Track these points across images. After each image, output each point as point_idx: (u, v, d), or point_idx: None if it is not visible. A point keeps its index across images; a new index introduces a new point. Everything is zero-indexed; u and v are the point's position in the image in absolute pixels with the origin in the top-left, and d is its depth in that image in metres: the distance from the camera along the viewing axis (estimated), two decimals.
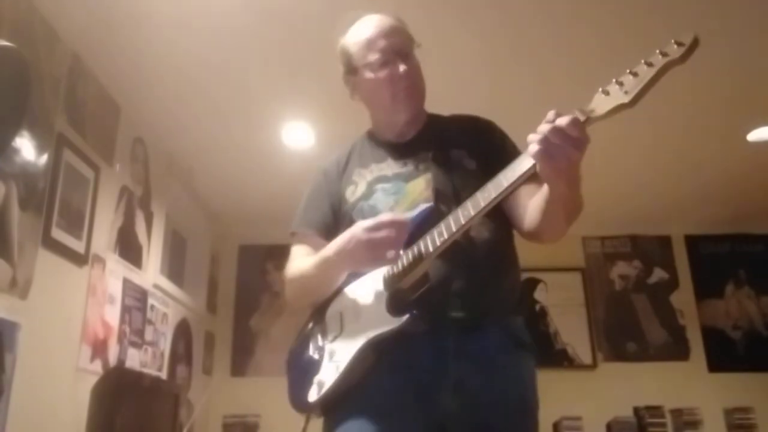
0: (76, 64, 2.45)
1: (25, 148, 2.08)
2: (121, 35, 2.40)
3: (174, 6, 2.26)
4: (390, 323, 1.12)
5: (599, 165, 3.55)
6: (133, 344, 2.89)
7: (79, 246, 2.41)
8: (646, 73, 0.91)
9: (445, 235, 1.09)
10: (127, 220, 2.89)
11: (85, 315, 2.43)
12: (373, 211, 1.27)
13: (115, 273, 2.73)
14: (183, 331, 3.64)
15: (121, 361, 2.74)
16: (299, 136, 3.20)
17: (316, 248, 1.32)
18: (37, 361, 2.09)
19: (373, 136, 1.44)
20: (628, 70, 0.93)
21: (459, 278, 1.17)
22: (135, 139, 3.00)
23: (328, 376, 1.20)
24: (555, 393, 4.08)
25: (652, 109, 2.95)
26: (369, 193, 1.31)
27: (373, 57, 1.32)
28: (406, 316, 1.11)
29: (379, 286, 1.18)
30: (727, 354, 4.33)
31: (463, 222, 1.07)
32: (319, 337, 1.28)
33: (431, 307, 1.13)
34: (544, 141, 0.95)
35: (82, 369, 2.38)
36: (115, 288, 2.73)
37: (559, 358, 4.34)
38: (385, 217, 1.13)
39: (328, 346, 1.24)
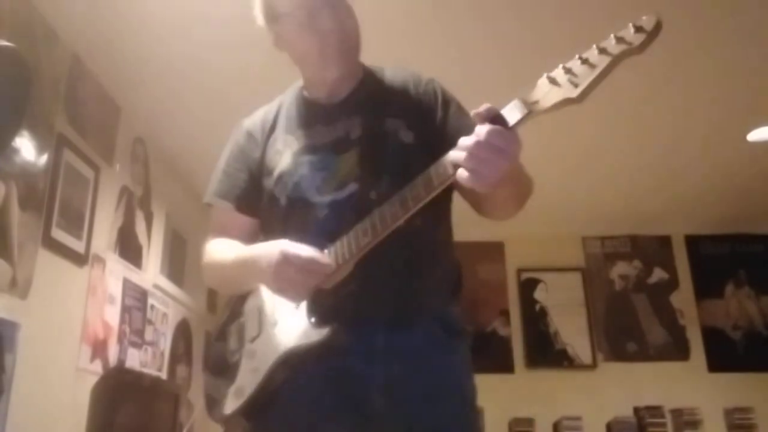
0: (76, 65, 2.45)
1: (25, 148, 2.08)
2: (121, 35, 2.40)
3: (174, 6, 2.26)
4: (310, 335, 1.02)
5: (599, 165, 3.55)
6: (133, 344, 2.89)
7: (79, 246, 2.40)
8: (598, 63, 0.80)
9: (370, 236, 0.99)
10: (127, 220, 2.89)
11: (85, 315, 2.43)
12: (298, 190, 1.14)
13: (115, 273, 2.72)
14: (183, 331, 3.64)
15: (121, 361, 2.73)
16: None
17: (234, 226, 1.22)
18: (37, 361, 2.09)
19: (302, 94, 1.27)
20: (577, 56, 0.82)
21: (386, 276, 1.07)
22: (135, 139, 3.00)
23: (244, 384, 1.10)
24: (555, 393, 4.13)
25: (651, 108, 2.95)
26: (294, 166, 1.16)
27: (296, 6, 1.15)
28: (327, 329, 1.01)
29: None
30: (727, 354, 4.33)
31: (389, 222, 0.98)
32: (237, 336, 1.18)
33: (355, 312, 1.04)
34: (471, 160, 0.86)
35: (82, 369, 2.38)
36: (115, 288, 2.73)
37: (559, 358, 4.34)
38: (308, 254, 1.01)
39: (246, 348, 1.14)
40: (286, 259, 1.00)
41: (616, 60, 0.80)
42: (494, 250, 4.47)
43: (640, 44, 0.79)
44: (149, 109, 2.92)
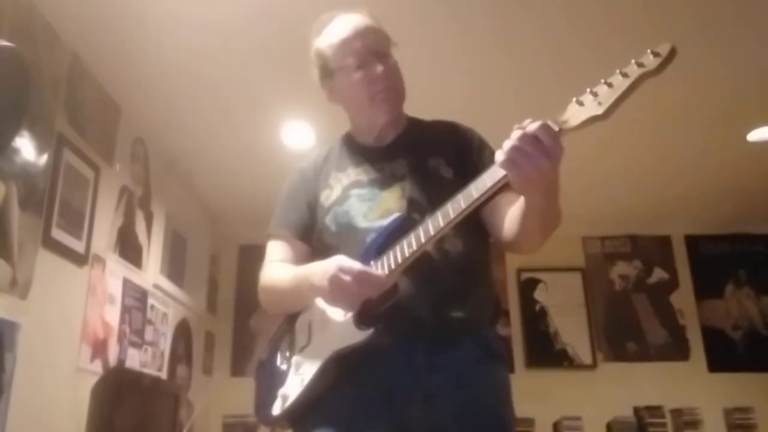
0: (76, 64, 2.45)
1: (25, 148, 2.08)
2: (121, 35, 2.40)
3: (174, 6, 2.26)
4: (355, 337, 1.10)
5: (599, 165, 3.55)
6: (133, 344, 2.89)
7: (79, 246, 2.40)
8: (620, 84, 0.89)
9: (414, 246, 1.07)
10: (127, 220, 2.89)
11: (85, 315, 2.43)
12: (346, 217, 1.25)
13: (115, 273, 2.73)
14: (183, 331, 3.64)
15: (121, 361, 2.74)
16: (299, 136, 3.20)
17: (293, 250, 1.33)
18: (37, 361, 2.09)
19: (351, 139, 1.41)
20: (602, 80, 0.91)
21: (430, 292, 1.15)
22: (135, 139, 3.00)
23: (292, 389, 1.20)
24: (555, 393, 4.12)
25: (651, 109, 2.95)
26: (343, 198, 1.29)
27: (349, 59, 1.29)
28: (371, 330, 1.09)
29: None
30: (727, 354, 4.33)
31: (432, 233, 1.05)
32: (287, 348, 1.28)
33: (399, 321, 1.11)
34: (513, 149, 0.93)
35: (82, 369, 2.38)
36: (115, 288, 2.73)
37: (559, 358, 4.34)
38: (359, 266, 1.09)
39: (295, 358, 1.24)
40: (342, 269, 1.08)
41: (637, 81, 0.88)
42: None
43: (656, 67, 0.87)
44: (149, 109, 2.92)
